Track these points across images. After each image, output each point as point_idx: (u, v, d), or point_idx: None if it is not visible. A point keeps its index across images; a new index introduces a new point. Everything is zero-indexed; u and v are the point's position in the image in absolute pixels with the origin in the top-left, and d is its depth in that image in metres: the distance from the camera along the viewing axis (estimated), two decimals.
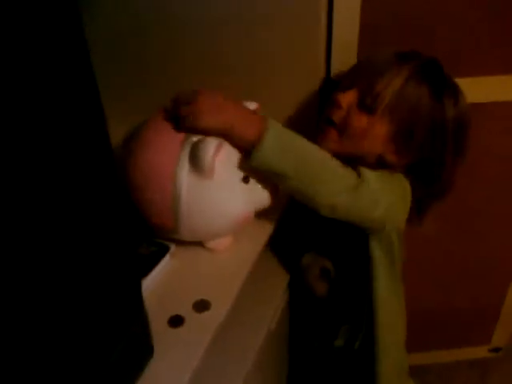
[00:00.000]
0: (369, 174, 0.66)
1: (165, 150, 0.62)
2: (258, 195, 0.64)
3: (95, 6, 0.84)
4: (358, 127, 0.70)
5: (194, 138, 0.61)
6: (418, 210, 0.75)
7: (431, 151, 0.70)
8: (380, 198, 0.66)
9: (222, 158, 0.60)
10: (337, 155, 0.67)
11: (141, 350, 0.54)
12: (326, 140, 0.73)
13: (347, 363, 0.84)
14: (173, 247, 0.68)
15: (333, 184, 0.64)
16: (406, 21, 0.83)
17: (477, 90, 0.92)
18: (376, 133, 0.70)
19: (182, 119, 0.62)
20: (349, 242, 0.77)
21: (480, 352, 1.39)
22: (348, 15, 0.78)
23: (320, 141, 0.73)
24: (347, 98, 0.70)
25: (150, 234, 0.70)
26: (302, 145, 0.63)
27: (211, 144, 0.58)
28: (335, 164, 0.65)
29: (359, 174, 0.66)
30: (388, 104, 0.68)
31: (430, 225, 0.80)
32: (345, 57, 0.81)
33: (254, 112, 0.65)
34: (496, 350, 1.41)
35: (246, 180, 0.63)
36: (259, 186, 0.64)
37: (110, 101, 0.91)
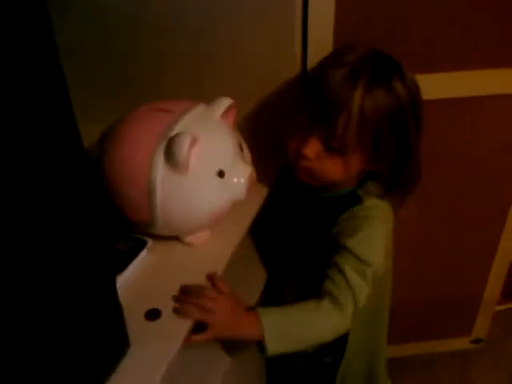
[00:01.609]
0: (350, 279, 0.68)
1: (140, 145, 0.62)
2: (234, 189, 0.65)
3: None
4: (333, 167, 0.70)
5: (170, 133, 0.62)
6: (396, 201, 0.76)
7: (399, 141, 0.69)
8: (363, 293, 0.69)
9: (197, 152, 0.61)
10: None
11: (116, 343, 0.54)
12: (304, 179, 0.75)
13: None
14: (150, 242, 0.68)
15: (329, 330, 0.70)
16: (379, 16, 0.84)
17: (452, 84, 0.93)
18: (354, 163, 0.70)
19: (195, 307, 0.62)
20: (322, 268, 0.77)
21: (461, 343, 1.42)
22: (323, 12, 0.79)
23: (297, 176, 0.75)
24: (311, 148, 0.68)
25: (129, 230, 0.70)
26: (298, 326, 0.68)
27: (186, 138, 0.59)
28: (324, 317, 0.68)
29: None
30: (356, 138, 0.66)
31: (410, 216, 0.82)
32: (321, 50, 0.81)
33: (245, 313, 0.66)
34: (477, 341, 1.43)
35: (221, 174, 0.64)
36: (234, 180, 0.65)
37: (88, 100, 0.92)
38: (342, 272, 0.68)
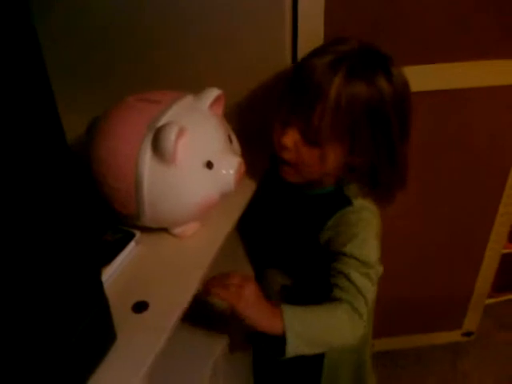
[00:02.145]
0: (359, 284, 0.68)
1: (127, 136, 0.61)
2: (222, 180, 0.64)
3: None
4: (312, 160, 0.70)
5: (157, 124, 0.61)
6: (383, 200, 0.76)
7: (379, 136, 0.68)
8: (371, 294, 0.69)
9: (185, 143, 0.60)
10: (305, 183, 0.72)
11: (102, 335, 0.54)
12: (287, 176, 0.75)
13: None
14: (138, 234, 0.68)
15: (349, 334, 0.68)
16: (370, 6, 0.84)
17: (443, 76, 0.93)
18: (332, 156, 0.69)
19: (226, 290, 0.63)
20: (310, 264, 0.77)
21: (453, 336, 1.43)
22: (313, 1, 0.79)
23: (282, 176, 0.75)
24: (290, 138, 0.69)
25: (117, 223, 0.70)
26: (320, 328, 0.67)
27: (173, 129, 0.58)
28: (346, 322, 0.67)
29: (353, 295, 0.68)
30: (331, 131, 0.66)
31: (400, 210, 0.82)
32: (311, 40, 0.81)
33: (269, 305, 0.65)
34: (468, 334, 1.44)
35: (209, 165, 0.63)
36: (223, 172, 0.64)
37: (76, 90, 0.91)
38: (349, 278, 0.68)
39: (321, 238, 0.74)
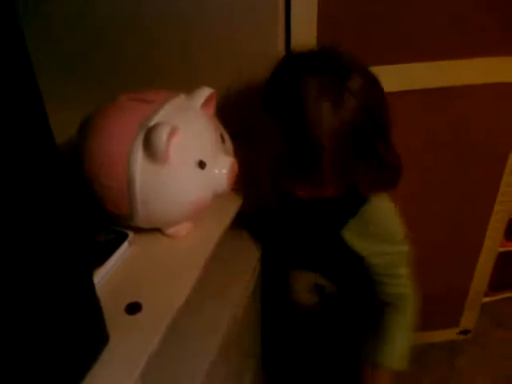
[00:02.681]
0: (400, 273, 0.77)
1: (118, 135, 0.61)
2: (215, 180, 0.64)
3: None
4: (320, 193, 0.71)
5: (149, 124, 0.61)
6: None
7: (362, 151, 0.67)
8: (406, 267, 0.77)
9: (177, 142, 0.60)
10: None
11: (95, 336, 0.53)
12: (300, 197, 0.74)
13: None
14: (131, 235, 0.68)
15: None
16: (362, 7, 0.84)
17: (436, 74, 0.93)
18: (336, 183, 0.70)
19: None
20: (339, 260, 0.79)
21: (449, 334, 1.43)
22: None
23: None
24: (300, 192, 0.72)
25: (110, 223, 0.69)
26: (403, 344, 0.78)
27: (165, 129, 0.58)
28: (409, 317, 0.78)
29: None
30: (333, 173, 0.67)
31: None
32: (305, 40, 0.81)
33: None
34: (465, 332, 1.44)
35: (201, 165, 0.63)
36: (216, 171, 0.64)
37: (69, 88, 0.91)
38: (396, 274, 0.76)
39: (344, 235, 0.75)
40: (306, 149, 0.65)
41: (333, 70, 0.65)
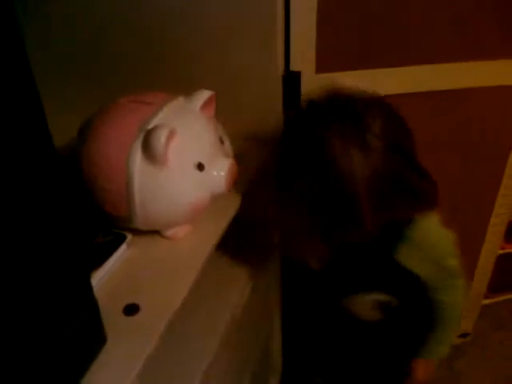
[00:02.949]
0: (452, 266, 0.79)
1: (117, 138, 0.61)
2: (214, 182, 0.64)
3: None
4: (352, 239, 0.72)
5: (147, 126, 0.61)
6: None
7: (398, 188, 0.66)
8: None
9: (176, 145, 0.60)
10: None
11: (92, 337, 0.54)
12: None
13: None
14: (130, 236, 0.68)
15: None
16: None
17: (441, 76, 0.93)
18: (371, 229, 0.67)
19: None
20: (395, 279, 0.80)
21: None
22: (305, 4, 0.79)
23: None
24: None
25: (110, 225, 0.70)
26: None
27: (163, 131, 0.58)
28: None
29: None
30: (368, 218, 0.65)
31: None
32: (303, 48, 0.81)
33: None
34: (464, 335, 1.44)
35: (200, 167, 0.63)
36: (214, 174, 0.64)
37: (70, 91, 0.91)
38: (452, 285, 0.80)
39: (397, 258, 0.74)
40: (343, 202, 0.63)
41: (350, 118, 0.63)
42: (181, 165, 0.61)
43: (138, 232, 0.69)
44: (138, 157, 0.60)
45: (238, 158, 0.72)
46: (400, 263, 0.74)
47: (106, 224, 0.69)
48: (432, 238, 0.76)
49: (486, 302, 1.46)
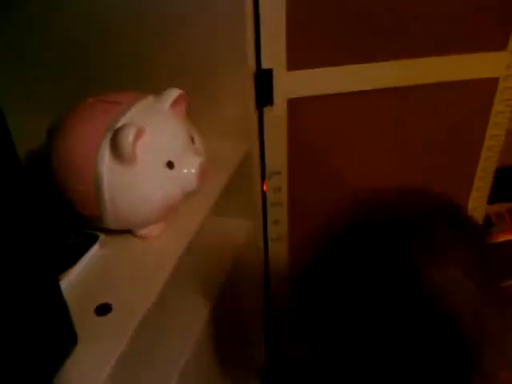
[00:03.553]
0: None
1: (86, 138, 0.61)
2: (184, 180, 0.64)
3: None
4: None
5: (116, 125, 0.61)
6: None
7: None
8: None
9: (144, 144, 0.60)
10: None
11: (63, 339, 0.53)
12: None
13: None
14: (102, 237, 0.68)
15: None
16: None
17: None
18: None
19: None
20: None
21: None
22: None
23: None
24: None
25: (82, 226, 0.69)
26: None
27: (131, 130, 0.58)
28: None
29: None
30: None
31: None
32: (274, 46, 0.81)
33: None
34: None
35: (170, 165, 0.63)
36: (184, 171, 0.64)
37: (39, 90, 0.91)
38: None
39: None
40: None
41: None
42: (150, 163, 0.61)
43: (110, 232, 0.68)
44: (106, 156, 0.60)
45: (212, 155, 0.72)
46: None
47: (78, 225, 0.69)
48: None
49: None
